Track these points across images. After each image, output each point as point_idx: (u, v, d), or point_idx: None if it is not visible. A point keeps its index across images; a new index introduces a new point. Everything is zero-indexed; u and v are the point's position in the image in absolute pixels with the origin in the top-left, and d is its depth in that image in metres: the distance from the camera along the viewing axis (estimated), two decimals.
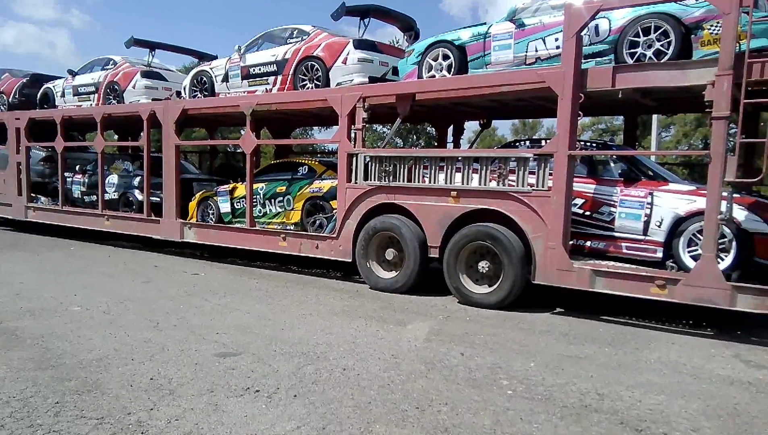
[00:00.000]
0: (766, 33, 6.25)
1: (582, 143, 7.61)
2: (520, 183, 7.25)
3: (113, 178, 13.06)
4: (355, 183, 8.61)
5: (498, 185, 7.46)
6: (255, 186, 10.19)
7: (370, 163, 8.51)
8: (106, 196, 12.79)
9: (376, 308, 7.30)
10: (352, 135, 8.65)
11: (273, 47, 10.44)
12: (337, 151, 8.92)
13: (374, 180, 8.45)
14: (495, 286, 7.36)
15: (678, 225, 6.70)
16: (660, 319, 6.93)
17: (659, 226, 6.84)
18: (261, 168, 11.24)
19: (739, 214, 6.30)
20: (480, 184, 7.57)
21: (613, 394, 4.48)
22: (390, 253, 8.35)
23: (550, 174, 7.00)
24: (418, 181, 8.12)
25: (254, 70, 10.50)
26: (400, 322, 6.63)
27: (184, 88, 11.85)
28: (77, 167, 14.01)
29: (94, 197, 13.47)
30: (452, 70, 8.24)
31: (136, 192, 12.54)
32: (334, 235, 8.85)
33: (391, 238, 8.38)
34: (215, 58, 13.31)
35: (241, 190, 10.75)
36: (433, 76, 8.39)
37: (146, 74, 12.62)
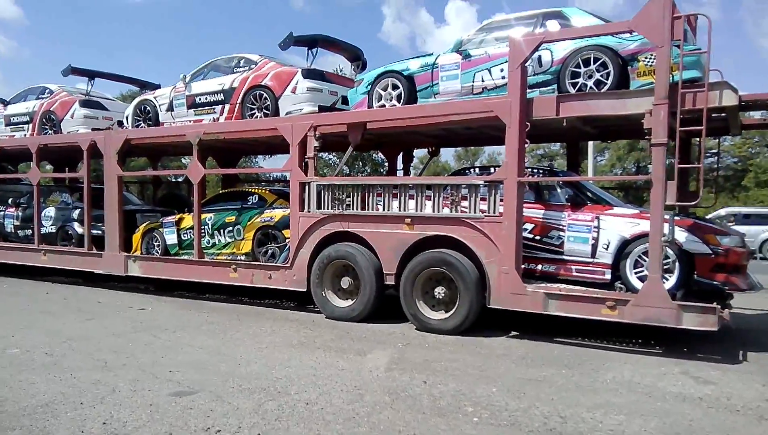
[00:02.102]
0: (695, 65, 6.67)
1: (530, 169, 7.83)
2: (472, 209, 7.39)
3: (50, 211, 12.51)
4: (308, 211, 8.55)
5: (451, 212, 7.57)
6: (203, 216, 9.97)
7: (322, 192, 8.48)
8: (43, 230, 12.21)
9: (334, 338, 7.21)
10: (304, 164, 8.61)
11: (219, 76, 10.33)
12: (284, 180, 8.85)
13: (327, 208, 8.42)
14: (451, 312, 7.42)
15: (624, 247, 6.96)
16: (611, 339, 7.13)
17: (606, 249, 7.09)
18: (209, 198, 11.00)
19: (680, 235, 6.62)
20: (433, 211, 7.67)
21: (575, 416, 4.57)
22: (346, 282, 8.29)
23: (501, 200, 7.16)
24: (372, 209, 8.14)
25: (200, 99, 10.36)
26: (359, 351, 6.57)
27: (127, 118, 11.53)
28: (10, 200, 13.35)
29: (29, 231, 12.83)
30: (402, 99, 8.38)
31: (76, 225, 12.02)
32: (288, 265, 8.73)
33: (346, 267, 8.34)
34: (158, 86, 13.07)
35: (188, 220, 10.50)
36: (383, 106, 8.50)
37: (85, 103, 12.22)
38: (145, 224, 11.24)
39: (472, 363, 6.12)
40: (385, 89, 8.52)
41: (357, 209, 8.23)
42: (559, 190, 7.67)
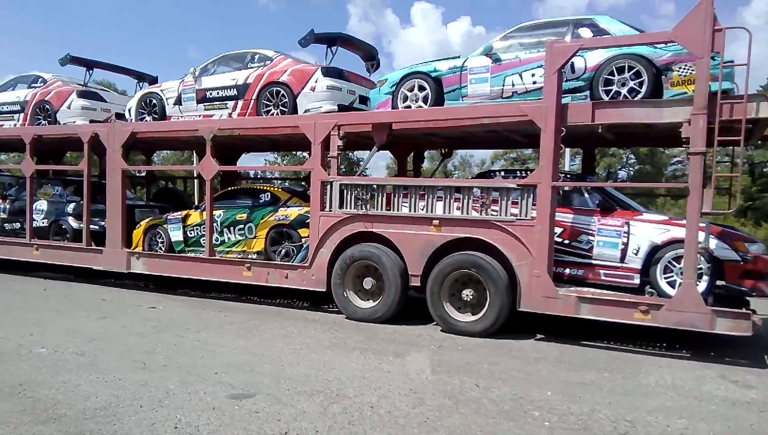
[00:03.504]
0: (728, 77, 6.83)
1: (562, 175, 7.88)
2: (503, 212, 7.42)
3: (42, 205, 12.07)
4: (330, 211, 8.45)
5: (481, 214, 7.58)
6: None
7: (345, 191, 8.38)
8: (34, 224, 11.75)
9: (364, 340, 7.14)
10: (327, 162, 8.51)
11: (231, 71, 10.13)
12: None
13: (350, 208, 8.33)
14: (480, 314, 7.43)
15: (654, 253, 7.08)
16: (636, 343, 7.24)
17: (636, 254, 7.20)
18: (217, 194, 10.76)
19: (711, 242, 6.77)
20: (462, 214, 7.66)
21: (641, 420, 4.62)
22: (368, 283, 8.22)
23: (534, 204, 7.21)
24: (397, 210, 8.09)
25: (211, 93, 10.13)
26: (396, 353, 6.53)
27: (129, 110, 11.19)
28: None
29: (16, 225, 12.37)
30: (428, 101, 8.34)
31: (70, 219, 11.64)
32: (307, 265, 8.61)
33: (368, 267, 8.27)
34: (156, 79, 12.78)
35: (196, 217, 10.27)
36: (409, 106, 8.46)
37: (83, 94, 11.81)
38: (147, 220, 10.94)
39: (514, 366, 6.14)
40: (411, 90, 8.47)
41: (381, 209, 8.18)
42: (587, 195, 7.76)
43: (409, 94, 8.50)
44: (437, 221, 7.75)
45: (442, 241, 7.72)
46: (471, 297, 7.56)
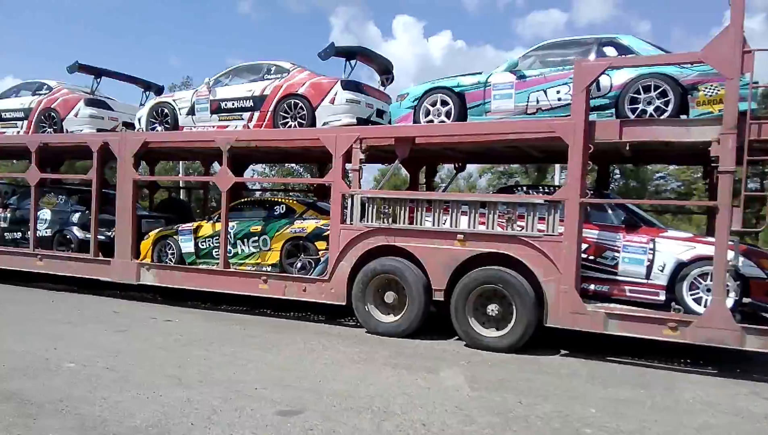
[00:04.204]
0: (754, 97, 6.96)
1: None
2: (529, 228, 7.44)
3: (45, 214, 11.85)
4: (350, 224, 8.41)
5: (506, 230, 7.59)
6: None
7: (367, 204, 8.35)
8: (38, 234, 11.51)
9: (392, 355, 7.09)
10: (348, 175, 8.49)
11: (247, 82, 10.08)
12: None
13: (371, 221, 8.30)
14: (507, 330, 7.42)
15: (680, 269, 7.16)
16: (660, 358, 7.27)
17: (662, 271, 7.27)
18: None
19: (738, 260, 6.85)
20: (487, 229, 7.67)
21: None
22: (390, 297, 8.17)
23: (561, 220, 7.25)
24: (420, 224, 8.08)
25: (226, 104, 10.06)
26: (428, 369, 6.48)
27: (139, 120, 11.07)
28: None
29: (17, 235, 12.12)
30: (451, 116, 8.37)
31: (75, 229, 11.45)
32: (326, 278, 8.54)
33: (389, 281, 8.23)
34: (162, 88, 12.71)
35: (207, 229, 10.17)
36: (431, 121, 8.48)
37: (91, 102, 11.65)
38: (157, 231, 10.80)
39: (549, 383, 6.13)
40: (433, 105, 8.50)
41: (404, 223, 8.16)
42: (611, 211, 7.83)
43: (431, 108, 8.52)
44: (462, 236, 7.75)
45: (466, 256, 7.71)
46: (496, 312, 7.55)
